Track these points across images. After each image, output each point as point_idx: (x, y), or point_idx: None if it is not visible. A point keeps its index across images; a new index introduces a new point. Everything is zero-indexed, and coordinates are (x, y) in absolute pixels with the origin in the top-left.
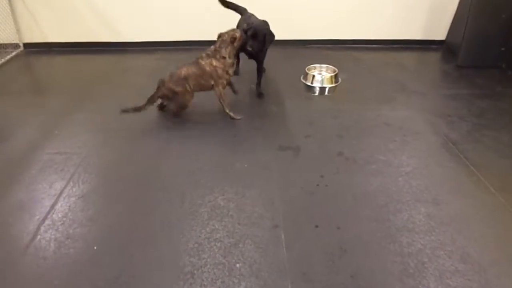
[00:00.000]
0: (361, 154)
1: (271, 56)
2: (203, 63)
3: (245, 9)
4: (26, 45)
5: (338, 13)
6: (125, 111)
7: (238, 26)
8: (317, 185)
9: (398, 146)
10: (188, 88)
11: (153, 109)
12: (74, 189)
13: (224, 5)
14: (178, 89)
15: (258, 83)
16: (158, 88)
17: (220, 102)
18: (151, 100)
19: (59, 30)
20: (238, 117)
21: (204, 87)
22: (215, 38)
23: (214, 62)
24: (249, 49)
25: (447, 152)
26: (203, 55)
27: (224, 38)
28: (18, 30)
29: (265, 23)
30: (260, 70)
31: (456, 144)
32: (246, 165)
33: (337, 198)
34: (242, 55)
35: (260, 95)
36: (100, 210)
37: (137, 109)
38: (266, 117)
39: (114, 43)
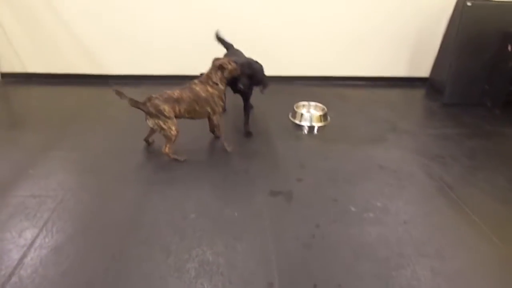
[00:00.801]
0: (357, 201)
1: (258, 93)
2: (197, 88)
3: (231, 45)
4: (4, 75)
5: (325, 50)
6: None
7: None
8: (313, 236)
9: (394, 191)
10: (177, 111)
11: (137, 148)
12: (46, 239)
13: (217, 37)
14: (166, 108)
15: (246, 122)
16: (144, 102)
17: (216, 131)
18: (132, 102)
19: (39, 61)
20: (230, 149)
21: (198, 114)
22: (200, 72)
23: (209, 89)
24: (240, 87)
25: (444, 198)
26: (196, 81)
27: (216, 64)
28: None
29: (258, 63)
30: (247, 107)
31: (453, 189)
32: (236, 213)
33: (335, 252)
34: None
35: (248, 134)
36: (75, 264)
37: (118, 93)
38: (256, 158)
39: (96, 76)
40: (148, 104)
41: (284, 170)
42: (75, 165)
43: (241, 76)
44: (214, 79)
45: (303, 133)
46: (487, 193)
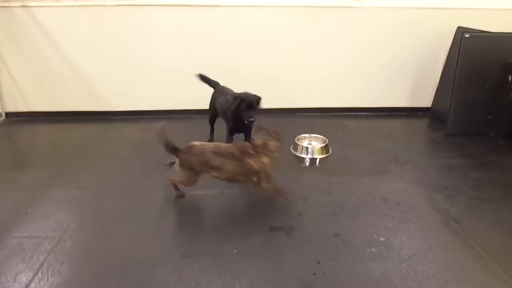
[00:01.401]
0: (359, 235)
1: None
2: (251, 162)
3: (217, 83)
4: (9, 114)
5: (326, 81)
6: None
7: (212, 100)
8: (314, 274)
9: (397, 224)
10: (212, 175)
11: (136, 185)
12: (42, 283)
13: (201, 78)
14: (198, 171)
15: None
16: (180, 152)
17: (274, 195)
18: (169, 146)
19: (43, 99)
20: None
21: (239, 182)
22: (200, 107)
23: (265, 159)
24: (251, 120)
25: (449, 231)
26: (250, 151)
27: (270, 132)
28: (0, 99)
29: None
30: (250, 138)
31: (458, 222)
32: (235, 250)
33: None
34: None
35: None
36: None
37: (160, 132)
38: (256, 193)
39: (99, 112)
40: (184, 156)
41: (285, 204)
42: (74, 204)
43: (242, 110)
44: (272, 147)
45: (305, 165)
46: (494, 226)
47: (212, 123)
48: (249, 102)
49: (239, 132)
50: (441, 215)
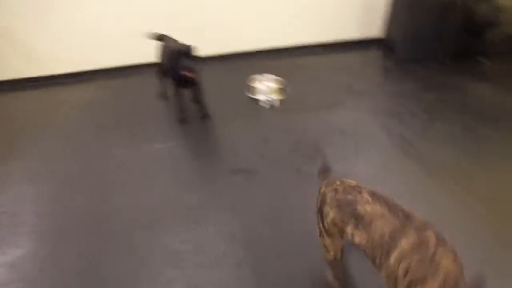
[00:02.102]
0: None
1: (212, 73)
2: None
3: (164, 35)
4: None
5: (274, 21)
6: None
7: (163, 53)
8: (279, 208)
9: (354, 153)
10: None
11: (97, 145)
12: (1, 257)
13: (156, 37)
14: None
15: (202, 105)
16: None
17: None
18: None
19: None
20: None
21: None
22: (146, 61)
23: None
24: (187, 70)
25: (404, 154)
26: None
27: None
28: None
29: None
30: (200, 91)
31: (412, 145)
32: (198, 198)
33: (302, 221)
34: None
35: (205, 116)
36: (34, 281)
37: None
38: (215, 140)
39: (39, 78)
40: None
41: (246, 147)
42: (31, 175)
43: (181, 60)
44: None
45: (263, 107)
46: (445, 144)
47: (161, 75)
48: (180, 52)
49: (185, 87)
50: (396, 139)
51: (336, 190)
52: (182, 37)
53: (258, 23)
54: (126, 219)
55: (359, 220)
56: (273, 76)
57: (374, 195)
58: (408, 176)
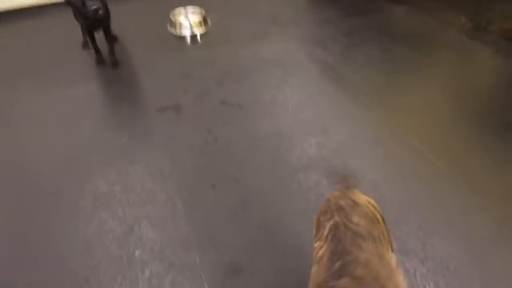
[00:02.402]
0: (245, 98)
1: (129, 10)
2: None
3: None
4: None
5: None
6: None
7: None
8: (206, 141)
9: (280, 81)
10: None
11: (12, 97)
12: None
13: None
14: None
15: (112, 51)
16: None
17: None
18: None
19: None
20: None
21: None
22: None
23: None
24: (94, 8)
25: (328, 79)
26: None
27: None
28: None
29: None
30: (110, 36)
31: (334, 69)
32: (124, 139)
33: (230, 151)
34: None
35: (115, 64)
36: None
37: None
38: (138, 78)
39: None
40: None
41: (169, 84)
42: None
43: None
44: None
45: (185, 43)
46: (364, 66)
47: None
48: None
49: (95, 28)
50: (320, 65)
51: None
52: None
53: None
54: (50, 167)
55: None
56: (195, 8)
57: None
58: (331, 98)
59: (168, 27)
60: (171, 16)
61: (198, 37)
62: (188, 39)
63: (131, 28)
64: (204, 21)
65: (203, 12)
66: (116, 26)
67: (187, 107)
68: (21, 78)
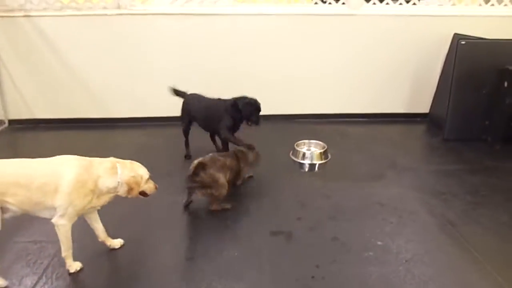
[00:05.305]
0: (357, 239)
1: (258, 132)
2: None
3: (185, 92)
4: (12, 122)
5: (325, 88)
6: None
7: (187, 108)
8: (313, 277)
9: (395, 228)
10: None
11: None
12: (46, 286)
13: (175, 93)
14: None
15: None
16: (195, 172)
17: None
18: (190, 189)
19: (46, 106)
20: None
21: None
22: None
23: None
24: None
25: (446, 235)
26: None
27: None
28: (3, 106)
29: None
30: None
31: (455, 226)
32: (236, 253)
33: None
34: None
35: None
36: None
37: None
38: (256, 198)
39: (101, 119)
40: (202, 173)
41: (285, 209)
42: None
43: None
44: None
45: (304, 171)
46: (490, 231)
47: (187, 134)
48: (257, 106)
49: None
50: (438, 219)
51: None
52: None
53: (309, 89)
54: (166, 270)
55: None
56: (318, 142)
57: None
58: (449, 259)
59: (290, 154)
60: (295, 145)
61: (316, 167)
62: (307, 168)
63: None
64: (324, 154)
65: (325, 147)
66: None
67: (299, 236)
68: (156, 172)
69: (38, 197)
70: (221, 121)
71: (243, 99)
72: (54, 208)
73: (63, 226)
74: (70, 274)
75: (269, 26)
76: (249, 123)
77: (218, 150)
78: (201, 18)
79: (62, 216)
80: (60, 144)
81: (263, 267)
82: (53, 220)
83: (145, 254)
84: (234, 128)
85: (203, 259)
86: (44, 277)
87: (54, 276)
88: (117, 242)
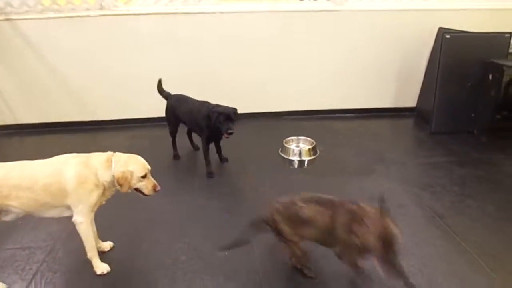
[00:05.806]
0: None
1: (247, 130)
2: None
3: (169, 93)
4: None
5: (311, 84)
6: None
7: (171, 109)
8: (304, 273)
9: None
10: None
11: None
12: None
13: (160, 90)
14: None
15: (220, 152)
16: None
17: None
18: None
19: (30, 111)
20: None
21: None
22: None
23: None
24: (231, 132)
25: (435, 227)
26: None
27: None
28: None
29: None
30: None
31: (443, 218)
32: (226, 253)
33: (326, 285)
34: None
35: (224, 160)
36: None
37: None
38: (246, 195)
39: (87, 122)
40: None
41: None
42: None
43: (224, 122)
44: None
45: (293, 167)
46: (478, 222)
47: (174, 135)
48: (227, 115)
49: (213, 141)
50: (426, 212)
51: (278, 209)
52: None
53: (296, 86)
54: (156, 270)
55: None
56: (306, 138)
57: (305, 200)
58: (438, 250)
59: (279, 151)
60: (284, 142)
61: (306, 163)
62: (296, 164)
63: (246, 144)
64: (313, 150)
65: (314, 143)
66: (233, 142)
67: None
68: None
69: (43, 197)
70: (202, 130)
71: (215, 109)
72: (62, 207)
73: (81, 224)
74: (97, 275)
75: (254, 24)
76: (226, 135)
77: (195, 149)
78: (185, 17)
79: (77, 214)
80: (46, 148)
81: (254, 266)
82: (72, 220)
83: (135, 256)
84: (214, 137)
85: (193, 259)
86: (33, 283)
87: (43, 282)
88: (107, 245)
